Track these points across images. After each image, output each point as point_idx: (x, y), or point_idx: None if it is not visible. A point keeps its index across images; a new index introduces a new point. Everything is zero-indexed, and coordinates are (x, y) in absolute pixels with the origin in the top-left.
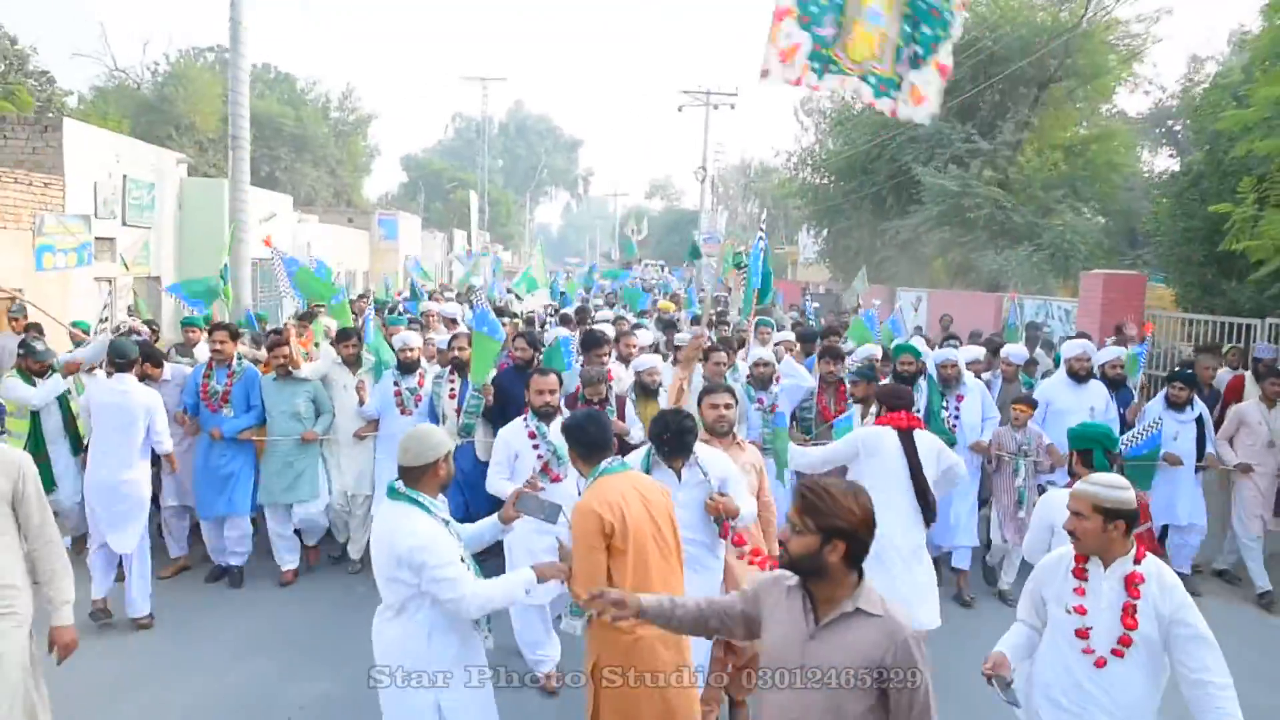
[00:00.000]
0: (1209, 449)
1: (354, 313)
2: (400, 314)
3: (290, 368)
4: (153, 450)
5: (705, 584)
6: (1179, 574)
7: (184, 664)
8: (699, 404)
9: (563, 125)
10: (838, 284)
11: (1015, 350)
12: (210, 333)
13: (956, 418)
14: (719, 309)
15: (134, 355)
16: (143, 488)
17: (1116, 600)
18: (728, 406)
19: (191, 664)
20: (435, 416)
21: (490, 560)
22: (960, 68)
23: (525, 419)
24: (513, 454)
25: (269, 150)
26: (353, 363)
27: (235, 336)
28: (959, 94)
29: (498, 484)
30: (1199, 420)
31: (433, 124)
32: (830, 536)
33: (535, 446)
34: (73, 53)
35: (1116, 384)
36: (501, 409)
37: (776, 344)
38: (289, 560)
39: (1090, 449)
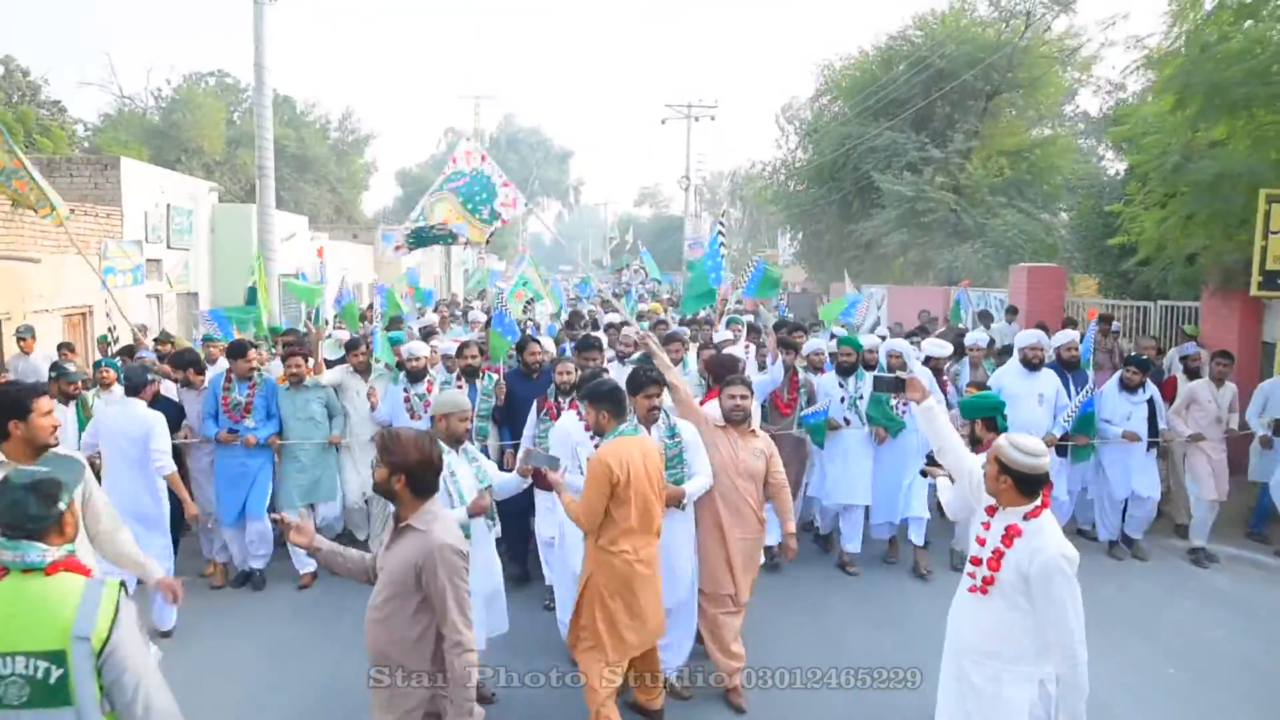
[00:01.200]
0: (1161, 427)
1: (364, 318)
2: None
3: (304, 376)
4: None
5: (675, 523)
6: (1132, 539)
7: (209, 667)
8: (720, 394)
9: (553, 137)
10: (813, 284)
11: (977, 336)
12: (242, 351)
13: (905, 405)
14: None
15: (143, 380)
16: (160, 506)
17: (996, 543)
18: (744, 397)
19: (215, 667)
20: None
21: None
22: (912, 83)
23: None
24: (573, 445)
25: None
26: (363, 371)
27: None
28: (912, 106)
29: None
30: (1150, 401)
31: (425, 138)
32: (396, 470)
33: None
34: (80, 81)
35: (1071, 366)
36: (509, 410)
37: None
38: (307, 564)
39: (990, 416)
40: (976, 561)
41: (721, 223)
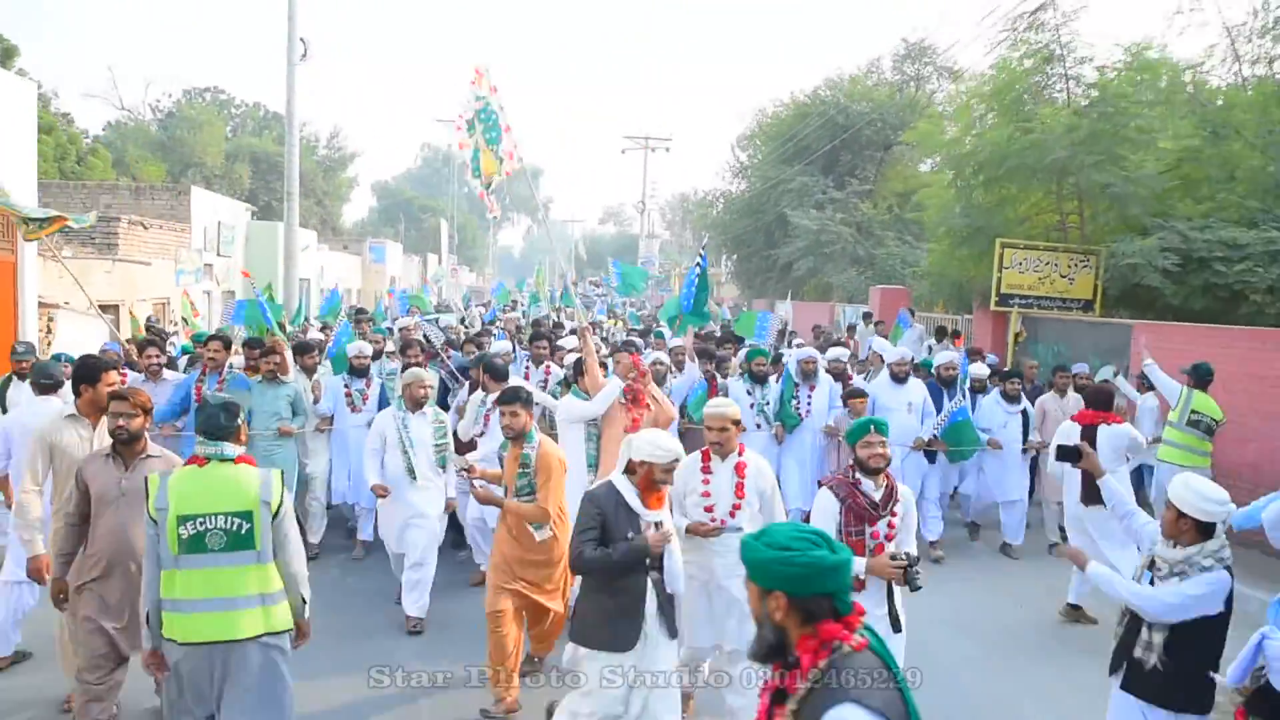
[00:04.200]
0: (1032, 436)
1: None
2: (384, 327)
3: (279, 374)
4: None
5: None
6: (1010, 544)
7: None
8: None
9: (524, 156)
10: (744, 299)
11: (839, 352)
12: (206, 342)
13: (808, 404)
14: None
15: (54, 378)
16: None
17: (730, 480)
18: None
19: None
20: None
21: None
22: (820, 134)
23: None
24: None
25: (266, 184)
26: (309, 371)
27: (228, 346)
28: (817, 154)
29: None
30: (1024, 413)
31: (401, 153)
32: (146, 413)
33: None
34: (83, 93)
35: (948, 383)
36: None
37: (673, 348)
38: None
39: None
40: (710, 509)
41: (702, 253)
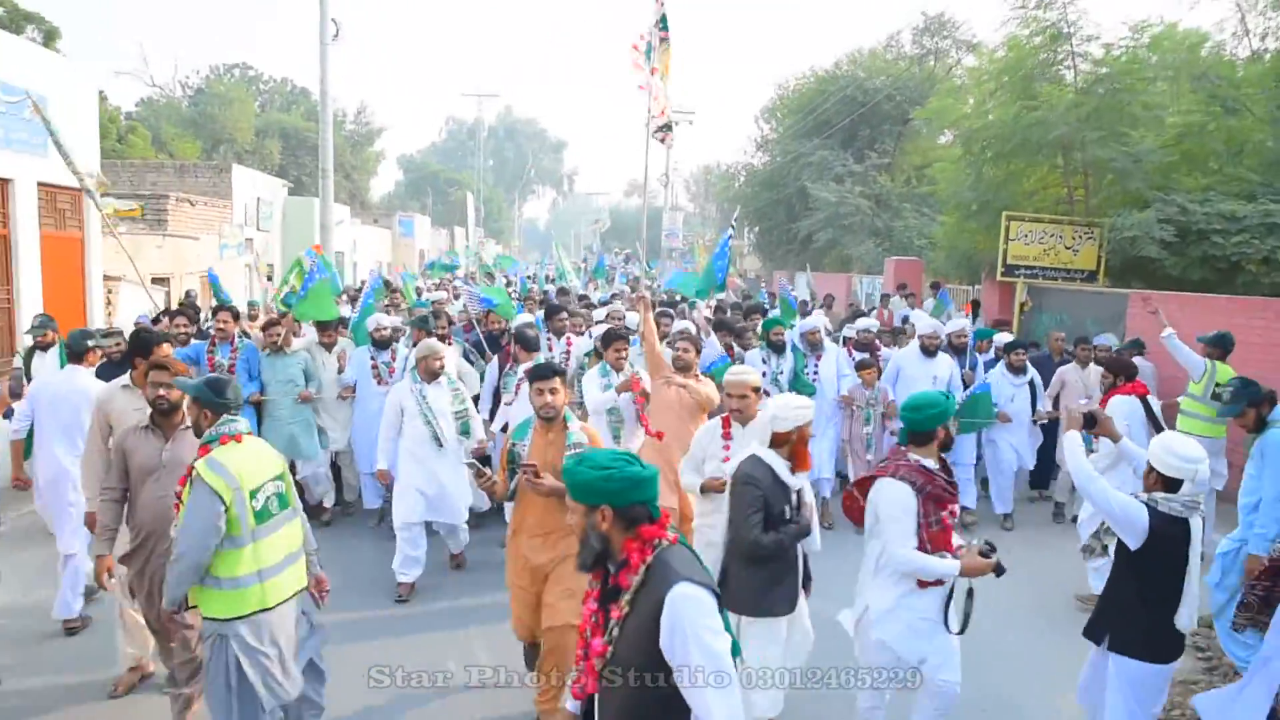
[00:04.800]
0: (1040, 407)
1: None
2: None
3: (284, 346)
4: None
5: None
6: (1004, 514)
7: None
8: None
9: (549, 127)
10: (765, 271)
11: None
12: (214, 313)
13: (816, 373)
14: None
15: (85, 347)
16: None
17: (750, 446)
18: (685, 350)
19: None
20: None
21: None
22: (839, 109)
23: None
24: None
25: (295, 159)
26: (329, 346)
27: (236, 317)
28: (836, 128)
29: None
30: (1031, 383)
31: (427, 126)
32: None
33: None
34: (115, 70)
35: (960, 350)
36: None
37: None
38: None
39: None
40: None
41: (734, 225)
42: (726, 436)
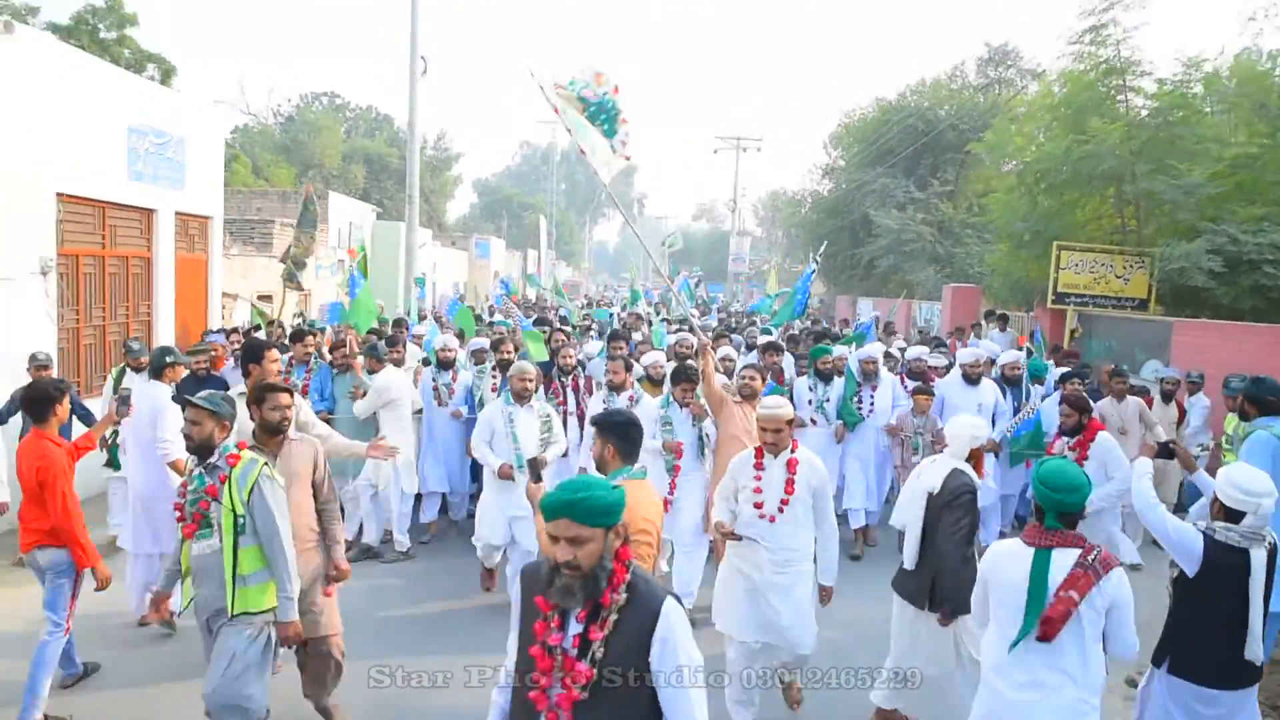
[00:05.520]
0: None
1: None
2: (498, 320)
3: (350, 364)
4: None
5: (688, 472)
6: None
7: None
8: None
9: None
10: (829, 295)
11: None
12: (299, 337)
13: (871, 403)
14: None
15: (164, 363)
16: (166, 487)
17: (781, 476)
18: (751, 378)
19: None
20: (472, 403)
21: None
22: (902, 138)
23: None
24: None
25: (378, 183)
26: (341, 368)
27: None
28: (899, 156)
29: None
30: None
31: (501, 150)
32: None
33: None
34: (214, 99)
35: (1013, 382)
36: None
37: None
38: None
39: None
40: (760, 505)
41: (817, 260)
42: (759, 467)
